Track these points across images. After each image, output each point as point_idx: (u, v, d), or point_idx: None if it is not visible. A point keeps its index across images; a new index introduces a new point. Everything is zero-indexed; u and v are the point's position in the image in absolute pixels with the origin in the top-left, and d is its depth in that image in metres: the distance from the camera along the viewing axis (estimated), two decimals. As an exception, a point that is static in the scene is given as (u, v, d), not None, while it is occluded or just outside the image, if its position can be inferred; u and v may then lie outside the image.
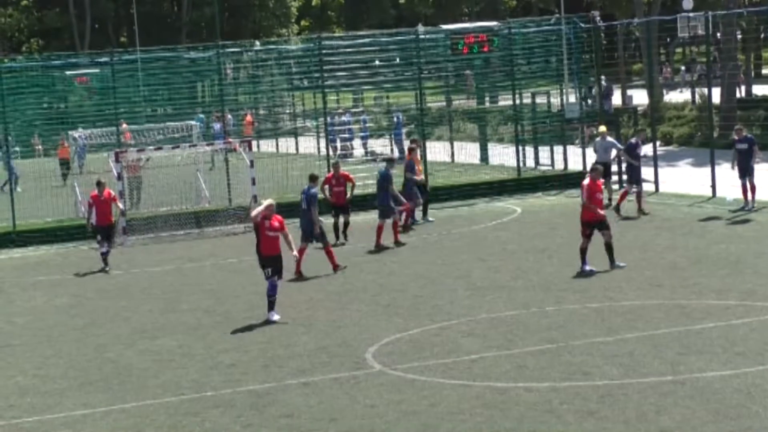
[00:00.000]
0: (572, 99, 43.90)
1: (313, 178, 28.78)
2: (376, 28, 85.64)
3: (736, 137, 32.50)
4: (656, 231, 29.85)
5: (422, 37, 42.53)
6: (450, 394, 16.58)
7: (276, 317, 21.87)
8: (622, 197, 32.73)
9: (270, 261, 22.18)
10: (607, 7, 71.13)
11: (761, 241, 27.31)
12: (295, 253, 23.07)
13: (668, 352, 17.92)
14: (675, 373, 16.82)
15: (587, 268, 24.45)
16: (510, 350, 18.72)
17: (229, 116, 47.37)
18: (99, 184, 30.26)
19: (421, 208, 33.74)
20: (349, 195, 31.28)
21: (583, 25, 42.26)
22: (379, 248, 29.38)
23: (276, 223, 22.20)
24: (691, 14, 44.38)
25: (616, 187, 36.49)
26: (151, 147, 39.06)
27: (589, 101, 46.49)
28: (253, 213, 22.63)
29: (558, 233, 30.34)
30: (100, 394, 18.03)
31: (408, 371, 17.92)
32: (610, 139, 35.65)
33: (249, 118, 51.36)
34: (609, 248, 24.67)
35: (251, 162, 35.49)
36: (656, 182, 36.89)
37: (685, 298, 21.71)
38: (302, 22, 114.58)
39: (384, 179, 30.48)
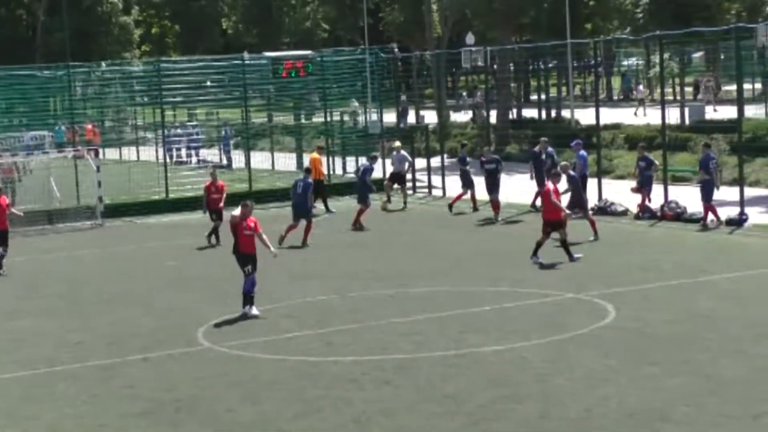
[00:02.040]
0: (374, 117, 44.22)
1: (308, 171, 30.48)
2: (208, 53, 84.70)
3: (483, 158, 32.24)
4: (442, 229, 30.31)
5: (247, 62, 42.30)
6: (269, 367, 16.55)
7: (255, 311, 19.88)
8: (458, 198, 33.16)
9: (249, 259, 20.14)
10: (403, 40, 71.82)
11: (528, 238, 27.85)
12: (273, 250, 20.71)
13: (452, 331, 18.20)
14: (458, 348, 17.09)
15: (539, 260, 23.60)
16: (321, 330, 18.76)
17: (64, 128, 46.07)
18: None
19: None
20: (222, 202, 29.25)
21: (383, 55, 42.62)
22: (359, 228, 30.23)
23: (251, 224, 20.21)
24: (473, 48, 45.14)
25: (410, 192, 36.94)
26: (7, 153, 38.02)
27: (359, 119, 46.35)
28: (232, 216, 20.33)
29: (361, 231, 30.50)
30: (-39, 369, 17.45)
31: (233, 348, 17.80)
32: (403, 152, 36.11)
33: (89, 128, 49.98)
34: (564, 244, 23.86)
35: (97, 167, 34.88)
36: (443, 189, 37.45)
37: (466, 286, 22.08)
38: (143, 47, 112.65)
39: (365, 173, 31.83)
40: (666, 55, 44.01)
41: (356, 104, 46.77)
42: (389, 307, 20.30)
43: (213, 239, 28.85)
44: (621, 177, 36.94)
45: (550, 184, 24.33)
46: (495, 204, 31.03)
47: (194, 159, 51.16)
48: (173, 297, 22.42)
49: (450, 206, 32.99)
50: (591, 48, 52.74)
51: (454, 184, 38.19)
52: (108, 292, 23.39)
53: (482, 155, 32.94)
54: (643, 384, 14.73)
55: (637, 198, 30.19)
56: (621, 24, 64.04)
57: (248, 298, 20.00)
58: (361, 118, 45.61)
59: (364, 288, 22.26)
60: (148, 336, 18.98)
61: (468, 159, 33.81)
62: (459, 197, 33.37)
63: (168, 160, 41.91)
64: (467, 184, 33.26)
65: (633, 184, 30.89)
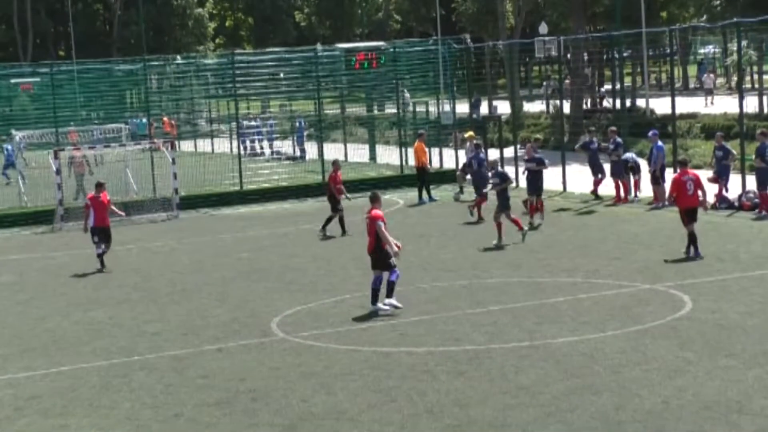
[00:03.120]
0: (447, 108, 44.12)
1: (478, 146, 32.16)
2: (281, 46, 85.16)
3: (526, 156, 30.38)
4: (516, 220, 30.11)
5: (320, 54, 42.46)
6: (342, 358, 16.59)
7: (382, 306, 19.23)
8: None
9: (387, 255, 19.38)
10: (476, 30, 71.62)
11: (603, 228, 27.73)
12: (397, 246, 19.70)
13: (526, 322, 18.10)
14: (531, 339, 16.99)
15: (701, 254, 22.47)
16: (394, 320, 18.77)
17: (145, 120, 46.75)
18: (99, 185, 26.31)
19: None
20: (344, 193, 29.34)
21: (456, 45, 42.49)
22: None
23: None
24: (546, 38, 44.81)
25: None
26: (86, 145, 38.61)
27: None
28: (377, 219, 19.70)
29: (433, 222, 30.49)
30: (39, 358, 17.73)
31: (307, 338, 17.89)
32: (477, 143, 35.98)
33: (166, 120, 50.72)
34: (692, 237, 22.69)
35: (173, 159, 35.23)
36: (516, 179, 37.17)
37: (540, 277, 21.95)
38: (217, 40, 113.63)
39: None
40: (744, 43, 43.32)
41: (407, 95, 46.75)
42: (462, 298, 20.25)
43: (328, 229, 28.72)
44: (697, 167, 36.37)
45: (698, 173, 23.36)
46: (533, 207, 28.70)
47: (268, 151, 51.50)
48: (247, 288, 22.58)
49: (595, 194, 32.43)
50: (666, 36, 52.24)
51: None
52: (183, 283, 23.64)
53: (525, 153, 30.69)
54: (721, 376, 14.53)
55: (714, 188, 29.77)
56: (697, 12, 63.20)
57: (382, 293, 19.33)
58: (411, 109, 45.63)
59: (436, 279, 22.23)
60: (222, 327, 19.14)
61: (593, 144, 33.00)
62: (597, 184, 32.63)
63: (242, 152, 42.26)
64: (598, 170, 32.66)
65: (710, 173, 30.48)
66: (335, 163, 30.41)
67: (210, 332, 18.77)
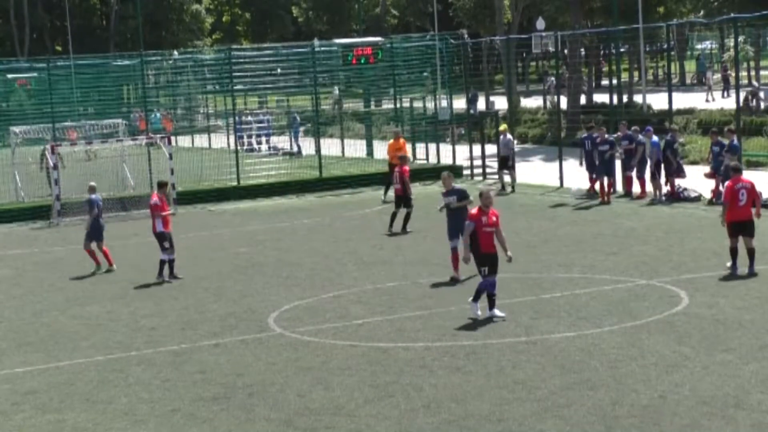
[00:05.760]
0: (444, 104, 44.11)
1: (590, 128, 32.18)
2: (278, 41, 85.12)
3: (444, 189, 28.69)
4: (513, 215, 30.09)
5: (317, 49, 42.45)
6: (340, 353, 16.59)
7: (499, 313, 17.91)
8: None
9: (487, 259, 17.93)
10: (473, 26, 71.58)
11: (599, 224, 27.73)
12: (510, 253, 17.95)
13: (522, 317, 18.10)
14: (528, 334, 17.00)
15: (738, 270, 20.38)
16: (391, 316, 18.77)
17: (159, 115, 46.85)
18: (161, 185, 23.99)
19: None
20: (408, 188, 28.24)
21: (453, 41, 42.48)
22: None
23: (493, 218, 17.93)
24: (543, 33, 44.80)
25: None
26: (83, 141, 38.55)
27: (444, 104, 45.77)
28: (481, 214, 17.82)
29: (431, 217, 30.44)
30: (37, 353, 17.72)
31: (304, 334, 17.89)
32: (509, 136, 35.72)
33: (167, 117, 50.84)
34: (750, 253, 20.40)
35: (170, 155, 35.21)
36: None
37: (537, 272, 21.94)
38: (214, 35, 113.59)
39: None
40: (740, 39, 43.35)
41: (337, 92, 46.89)
42: (459, 294, 20.22)
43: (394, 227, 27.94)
44: (694, 162, 36.50)
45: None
46: (457, 258, 21.21)
47: (264, 146, 51.50)
48: (245, 283, 22.57)
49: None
50: (663, 32, 52.17)
51: (524, 170, 37.97)
52: (180, 278, 23.58)
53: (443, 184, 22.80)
54: (717, 371, 14.54)
55: (711, 183, 29.80)
56: (694, 7, 63.20)
57: (491, 301, 18.04)
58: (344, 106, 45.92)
59: (432, 274, 22.21)
60: (219, 322, 19.13)
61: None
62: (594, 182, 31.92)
63: (239, 147, 42.24)
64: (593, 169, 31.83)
65: (706, 169, 30.51)
66: (402, 159, 29.32)
67: (207, 327, 18.76)
